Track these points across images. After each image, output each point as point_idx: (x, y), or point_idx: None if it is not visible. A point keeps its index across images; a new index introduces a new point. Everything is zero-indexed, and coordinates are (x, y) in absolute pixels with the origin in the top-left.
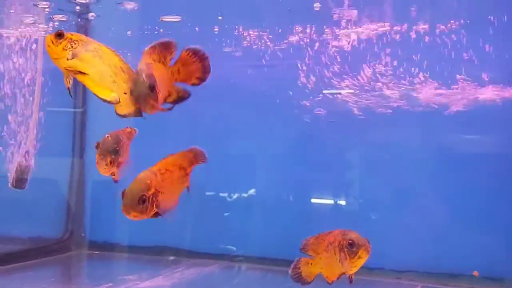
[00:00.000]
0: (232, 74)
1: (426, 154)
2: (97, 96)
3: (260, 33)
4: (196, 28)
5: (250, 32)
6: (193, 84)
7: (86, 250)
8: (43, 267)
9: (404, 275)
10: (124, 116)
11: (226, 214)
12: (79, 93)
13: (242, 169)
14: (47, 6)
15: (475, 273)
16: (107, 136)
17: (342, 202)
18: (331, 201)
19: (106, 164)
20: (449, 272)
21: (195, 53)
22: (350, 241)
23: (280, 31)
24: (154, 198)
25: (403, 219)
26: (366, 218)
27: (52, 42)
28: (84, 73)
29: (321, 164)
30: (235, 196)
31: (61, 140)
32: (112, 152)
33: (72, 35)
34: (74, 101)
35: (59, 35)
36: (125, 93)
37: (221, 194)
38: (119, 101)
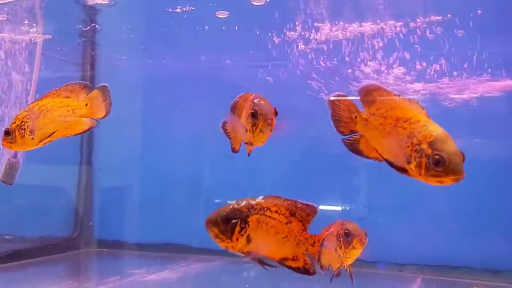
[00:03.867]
0: (238, 77)
1: None
2: (79, 134)
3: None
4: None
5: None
6: None
7: (95, 248)
8: (54, 263)
9: (405, 268)
10: (104, 116)
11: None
12: None
13: (250, 175)
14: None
15: None
16: (258, 100)
17: (350, 207)
18: (338, 207)
19: (271, 130)
20: (449, 264)
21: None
22: (346, 231)
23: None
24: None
25: (404, 214)
26: (370, 215)
27: (9, 143)
28: (54, 132)
29: (329, 170)
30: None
31: (70, 147)
32: (274, 113)
33: (14, 122)
34: None
35: (7, 133)
36: (86, 105)
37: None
38: (97, 122)
